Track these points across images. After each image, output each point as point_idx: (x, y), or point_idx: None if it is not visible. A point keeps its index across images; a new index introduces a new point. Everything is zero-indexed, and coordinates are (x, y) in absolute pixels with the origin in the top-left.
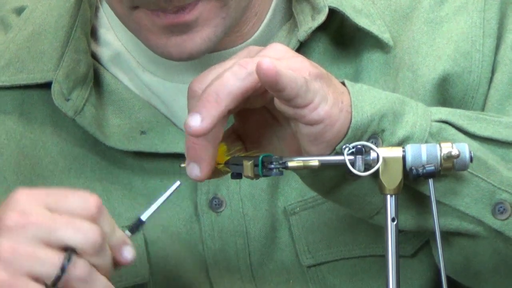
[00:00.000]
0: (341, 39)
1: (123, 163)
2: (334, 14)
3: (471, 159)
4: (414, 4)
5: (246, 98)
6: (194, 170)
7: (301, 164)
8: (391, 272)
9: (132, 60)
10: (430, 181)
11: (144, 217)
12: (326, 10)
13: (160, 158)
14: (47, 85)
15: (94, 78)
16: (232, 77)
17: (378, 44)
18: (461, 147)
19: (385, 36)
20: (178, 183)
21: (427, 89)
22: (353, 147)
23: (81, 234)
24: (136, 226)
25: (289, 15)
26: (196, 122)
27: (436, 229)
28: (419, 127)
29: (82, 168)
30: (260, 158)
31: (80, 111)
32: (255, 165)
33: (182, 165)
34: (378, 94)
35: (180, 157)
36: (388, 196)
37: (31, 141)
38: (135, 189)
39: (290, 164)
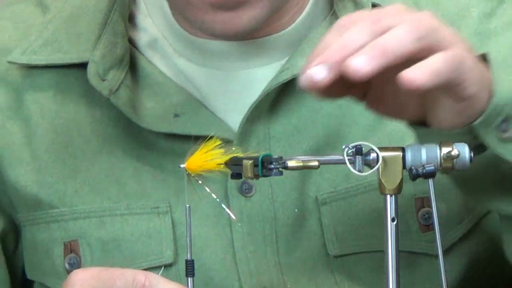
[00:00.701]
0: None
1: (155, 145)
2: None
3: (471, 159)
4: (463, 13)
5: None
6: (322, 72)
7: (300, 164)
8: (391, 272)
9: (167, 46)
10: (430, 181)
11: (189, 256)
12: (370, 5)
13: (191, 141)
14: (83, 66)
15: (130, 62)
16: (404, 35)
17: None
18: (461, 147)
19: None
20: (187, 206)
21: None
22: (353, 147)
23: None
24: (190, 268)
25: (328, 9)
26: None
27: (436, 229)
28: None
29: (114, 148)
30: (259, 158)
31: (115, 91)
32: (255, 165)
33: (182, 165)
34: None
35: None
36: (388, 196)
37: (65, 120)
38: (166, 171)
39: (290, 164)
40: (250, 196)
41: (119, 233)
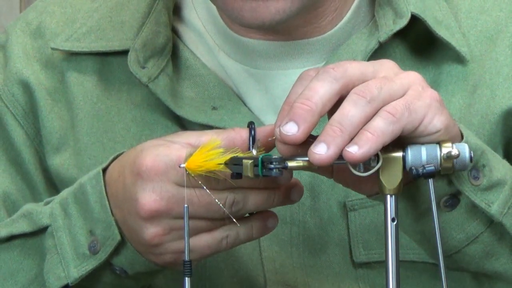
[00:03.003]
0: (420, 49)
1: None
2: (414, 22)
3: (471, 159)
4: (500, 28)
5: None
6: (293, 128)
7: (300, 164)
8: (391, 272)
9: (210, 40)
10: (430, 181)
11: (186, 257)
12: (409, 15)
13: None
14: (125, 53)
15: (174, 53)
16: (353, 107)
17: (457, 58)
18: (461, 147)
19: (462, 49)
20: (186, 205)
21: (504, 109)
22: None
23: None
24: (188, 269)
25: (369, 18)
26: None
27: (436, 229)
28: (510, 178)
29: (152, 135)
30: (260, 158)
31: (154, 78)
32: (255, 165)
33: (182, 165)
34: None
35: None
36: (388, 196)
37: (106, 106)
38: None
39: (290, 164)
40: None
41: None
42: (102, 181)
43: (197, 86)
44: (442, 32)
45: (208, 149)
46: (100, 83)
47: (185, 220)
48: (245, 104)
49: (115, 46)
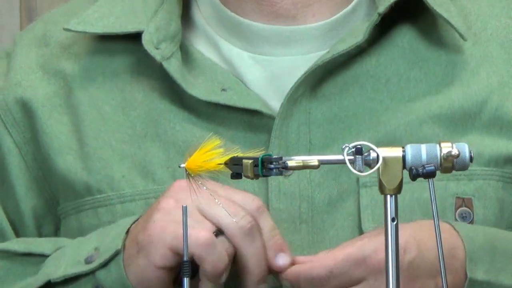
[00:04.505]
0: (427, 37)
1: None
2: (418, 11)
3: (471, 159)
4: (511, 37)
5: None
6: (283, 258)
7: (300, 164)
8: (391, 272)
9: (214, 34)
10: (430, 181)
11: (184, 257)
12: None
13: (237, 112)
14: (136, 39)
15: (181, 46)
16: None
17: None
18: (461, 147)
19: (462, 30)
20: (185, 205)
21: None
22: (353, 147)
23: (232, 217)
24: (186, 269)
25: (372, 6)
26: None
27: (436, 229)
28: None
29: (157, 131)
30: (259, 158)
31: (168, 58)
32: (255, 165)
33: (182, 165)
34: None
35: (256, 113)
36: (388, 196)
37: (111, 107)
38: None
39: (290, 164)
40: (289, 175)
41: None
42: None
43: (204, 74)
44: (440, 11)
45: (208, 149)
46: (104, 86)
47: (184, 220)
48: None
49: (129, 28)
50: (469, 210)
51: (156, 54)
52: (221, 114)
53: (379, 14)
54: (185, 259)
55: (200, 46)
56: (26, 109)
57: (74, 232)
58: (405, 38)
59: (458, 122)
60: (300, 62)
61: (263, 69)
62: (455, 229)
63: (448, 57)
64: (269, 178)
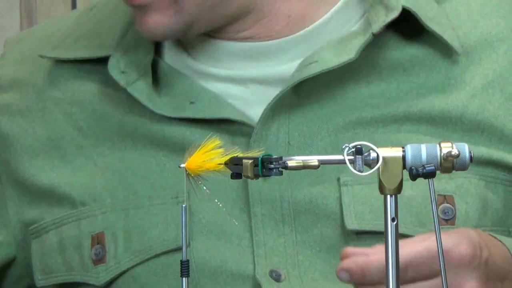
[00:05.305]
0: (412, 40)
1: (175, 136)
2: (405, 20)
3: (471, 159)
4: (501, 36)
5: None
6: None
7: (300, 163)
8: (391, 272)
9: (180, 48)
10: (430, 181)
11: (183, 257)
12: (400, 8)
13: (209, 129)
14: (104, 62)
15: (153, 65)
16: None
17: (447, 54)
18: (461, 147)
19: (454, 43)
20: (184, 205)
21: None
22: (353, 147)
23: None
24: (185, 269)
25: (361, 13)
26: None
27: (437, 230)
28: None
29: (137, 144)
30: (259, 158)
31: (132, 83)
32: (255, 165)
33: (182, 165)
34: None
35: (226, 122)
36: (388, 196)
37: (88, 121)
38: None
39: (290, 163)
40: (268, 178)
41: (140, 222)
42: None
43: (173, 88)
44: (433, 26)
45: (208, 149)
46: (78, 100)
47: (183, 220)
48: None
49: (97, 53)
50: (451, 207)
51: (121, 79)
52: (194, 124)
53: (373, 34)
54: (184, 259)
55: (169, 58)
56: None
57: (54, 247)
58: (390, 41)
59: (439, 126)
60: (272, 73)
61: (235, 84)
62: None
63: (431, 59)
64: (249, 183)
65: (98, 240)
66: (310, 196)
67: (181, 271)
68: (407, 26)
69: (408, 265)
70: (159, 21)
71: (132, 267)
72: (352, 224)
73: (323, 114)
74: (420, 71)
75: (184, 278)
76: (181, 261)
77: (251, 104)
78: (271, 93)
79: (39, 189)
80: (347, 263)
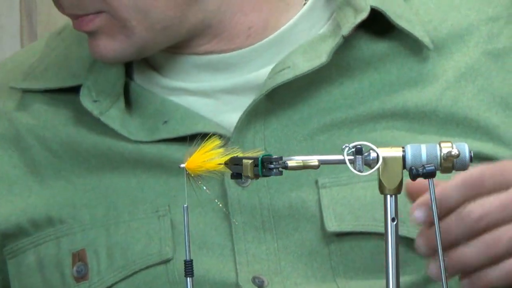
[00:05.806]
0: (383, 38)
1: (152, 153)
2: (375, 21)
3: (471, 159)
4: (471, 29)
5: None
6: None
7: (300, 163)
8: (391, 272)
9: (149, 66)
10: (430, 181)
11: (187, 256)
12: (368, 9)
13: (186, 144)
14: (76, 91)
15: (125, 87)
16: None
17: (418, 52)
18: (461, 147)
19: (425, 39)
20: (185, 205)
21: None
22: (353, 147)
23: None
24: (189, 268)
25: (327, 16)
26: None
27: (437, 229)
28: None
29: (115, 163)
30: (259, 158)
31: (105, 111)
32: (255, 165)
33: (182, 165)
34: None
35: (199, 137)
36: (388, 196)
37: (63, 145)
38: (165, 175)
39: (290, 164)
40: (247, 186)
41: (122, 238)
42: None
43: (145, 109)
44: (403, 23)
45: (208, 149)
46: (52, 124)
47: (185, 220)
48: (198, 113)
49: (68, 82)
50: None
51: (94, 109)
52: (169, 141)
53: (343, 37)
54: (188, 259)
55: (139, 78)
56: None
57: (32, 266)
58: (360, 40)
59: (414, 121)
60: (243, 80)
61: (206, 96)
62: None
63: (403, 55)
64: (228, 192)
65: (79, 257)
66: (289, 202)
67: (185, 271)
68: (377, 24)
69: (483, 178)
70: (109, 45)
71: (116, 283)
72: (332, 226)
73: (298, 119)
74: (391, 68)
75: (188, 278)
76: (185, 261)
77: (224, 114)
78: (244, 101)
79: (16, 211)
80: (422, 198)
